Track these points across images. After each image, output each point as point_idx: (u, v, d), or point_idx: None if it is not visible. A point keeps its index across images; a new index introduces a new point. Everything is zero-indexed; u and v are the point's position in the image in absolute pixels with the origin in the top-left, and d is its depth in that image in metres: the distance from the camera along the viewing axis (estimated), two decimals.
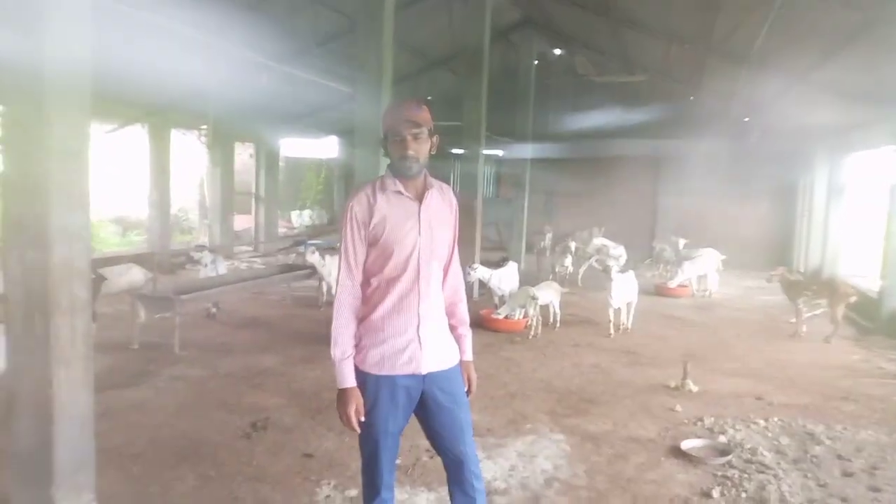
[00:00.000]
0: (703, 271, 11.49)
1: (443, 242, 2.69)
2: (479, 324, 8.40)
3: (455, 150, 14.74)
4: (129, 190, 16.82)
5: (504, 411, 5.38)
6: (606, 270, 8.27)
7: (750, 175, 15.23)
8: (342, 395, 2.57)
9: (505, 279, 9.14)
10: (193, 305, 7.74)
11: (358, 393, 2.57)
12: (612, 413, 5.41)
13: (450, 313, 2.82)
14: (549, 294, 8.35)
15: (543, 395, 5.83)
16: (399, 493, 3.85)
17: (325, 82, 10.42)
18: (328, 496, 3.84)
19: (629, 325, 8.57)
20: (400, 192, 2.59)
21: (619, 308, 8.30)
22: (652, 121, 15.33)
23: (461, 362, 2.81)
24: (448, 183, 16.29)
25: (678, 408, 5.49)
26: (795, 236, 14.67)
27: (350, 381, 2.57)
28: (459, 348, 2.82)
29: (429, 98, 17.65)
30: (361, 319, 2.64)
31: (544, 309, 8.36)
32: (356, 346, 2.62)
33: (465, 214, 10.53)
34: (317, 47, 11.12)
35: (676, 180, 16.02)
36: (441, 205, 2.70)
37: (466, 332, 2.86)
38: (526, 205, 14.79)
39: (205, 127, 12.91)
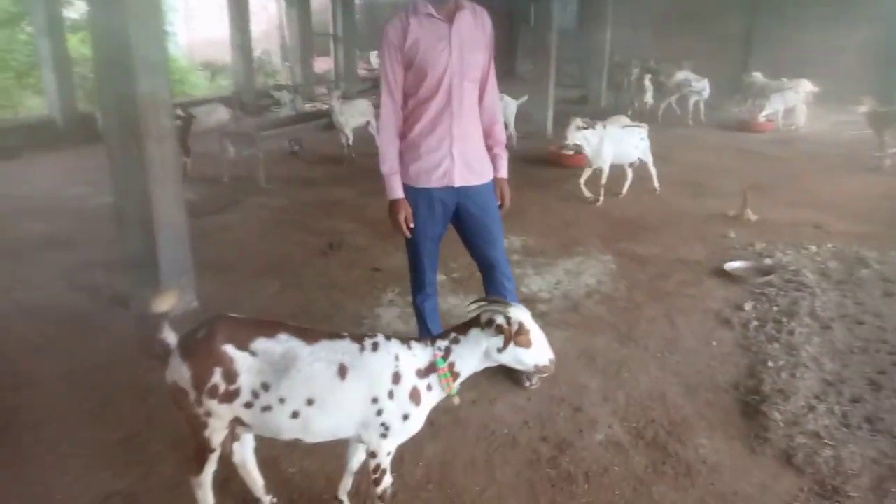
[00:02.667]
0: (791, 104, 10.94)
1: (475, 63, 2.87)
2: (548, 159, 8.56)
3: None
4: (215, 36, 17.20)
5: (558, 236, 5.70)
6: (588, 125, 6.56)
7: (854, 3, 13.77)
8: (393, 205, 2.93)
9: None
10: (275, 142, 8.26)
11: (406, 203, 2.92)
12: (663, 238, 5.63)
13: (486, 134, 3.06)
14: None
15: (599, 223, 6.09)
16: (454, 299, 4.36)
17: None
18: (391, 300, 4.38)
19: (656, 185, 7.17)
20: (431, 15, 2.75)
21: (606, 169, 6.71)
22: None
23: (495, 179, 3.09)
24: (528, 15, 15.62)
25: (732, 234, 5.65)
26: None
27: (398, 192, 2.91)
28: (494, 166, 3.08)
29: None
30: (401, 138, 2.93)
31: None
32: (409, 160, 2.93)
33: (540, 48, 10.32)
34: None
35: (773, 6, 14.72)
36: (473, 27, 2.85)
37: (502, 152, 3.11)
38: (608, 38, 14.11)
39: None
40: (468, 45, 2.82)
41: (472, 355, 2.12)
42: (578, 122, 6.47)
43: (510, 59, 19.40)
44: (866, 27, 14.09)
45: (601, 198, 6.71)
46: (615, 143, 6.67)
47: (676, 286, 4.61)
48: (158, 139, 3.93)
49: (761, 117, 10.76)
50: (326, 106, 9.73)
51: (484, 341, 2.08)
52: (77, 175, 7.89)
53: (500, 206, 3.14)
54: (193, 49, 17.59)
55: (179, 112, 7.15)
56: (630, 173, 7.08)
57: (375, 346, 2.06)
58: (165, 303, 2.16)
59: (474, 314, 2.16)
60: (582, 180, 6.89)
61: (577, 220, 6.17)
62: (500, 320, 2.05)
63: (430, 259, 3.15)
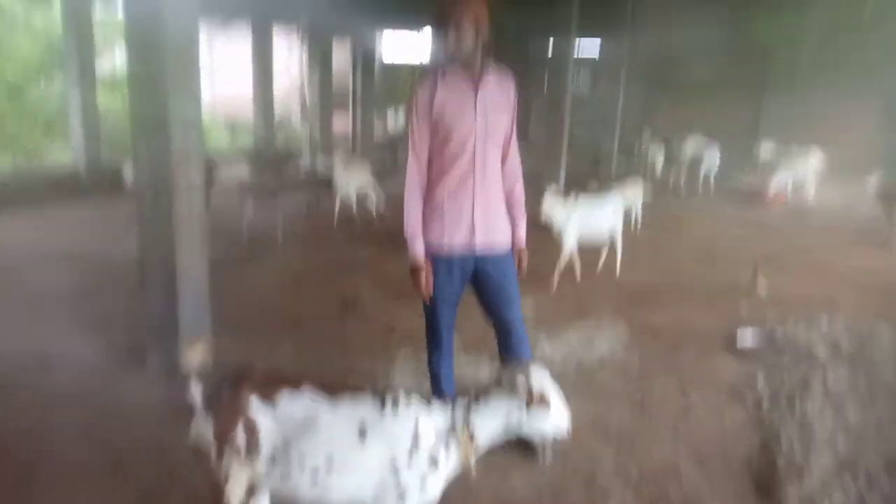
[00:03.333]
0: (801, 175, 11.09)
1: (499, 126, 2.95)
2: None
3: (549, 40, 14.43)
4: (238, 93, 17.75)
5: (571, 303, 5.75)
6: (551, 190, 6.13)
7: (866, 72, 14.06)
8: (415, 267, 2.97)
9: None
10: (295, 199, 8.44)
11: (429, 267, 2.96)
12: (676, 309, 5.66)
13: (507, 193, 3.11)
14: (629, 194, 8.43)
15: (612, 291, 6.14)
16: (466, 360, 4.38)
17: None
18: (405, 361, 4.41)
19: (618, 263, 6.46)
20: (458, 79, 2.85)
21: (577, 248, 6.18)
22: (760, 12, 14.34)
23: (515, 243, 3.16)
24: (542, 84, 15.99)
25: (743, 306, 5.68)
26: None
27: (420, 255, 2.95)
28: (514, 233, 3.14)
29: None
30: (424, 200, 2.99)
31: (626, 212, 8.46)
32: (431, 220, 2.97)
33: (554, 113, 10.55)
34: None
35: (785, 75, 15.04)
36: (498, 91, 2.94)
37: (522, 216, 3.14)
38: (620, 104, 14.44)
39: (303, 22, 13.19)
40: (493, 108, 2.90)
41: (492, 418, 2.11)
42: (553, 188, 6.07)
43: (524, 124, 19.83)
44: (877, 98, 14.31)
45: (556, 282, 6.01)
46: (585, 215, 6.05)
47: (689, 358, 4.63)
48: (188, 193, 4.05)
49: (772, 189, 10.90)
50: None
51: (505, 403, 2.09)
52: (99, 226, 8.06)
53: (518, 272, 3.20)
54: (216, 105, 18.11)
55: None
56: (604, 250, 6.53)
57: (396, 405, 2.08)
58: (195, 355, 2.22)
59: (494, 376, 2.18)
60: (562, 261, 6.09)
61: (591, 287, 6.22)
62: (521, 380, 2.07)
63: (446, 321, 3.19)
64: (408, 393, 2.14)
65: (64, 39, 10.50)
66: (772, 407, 3.85)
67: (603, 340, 4.90)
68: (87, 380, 4.00)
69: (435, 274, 3.00)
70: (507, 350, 3.19)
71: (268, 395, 2.04)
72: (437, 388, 3.30)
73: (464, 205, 2.93)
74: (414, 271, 2.98)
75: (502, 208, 3.07)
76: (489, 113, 2.88)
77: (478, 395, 2.15)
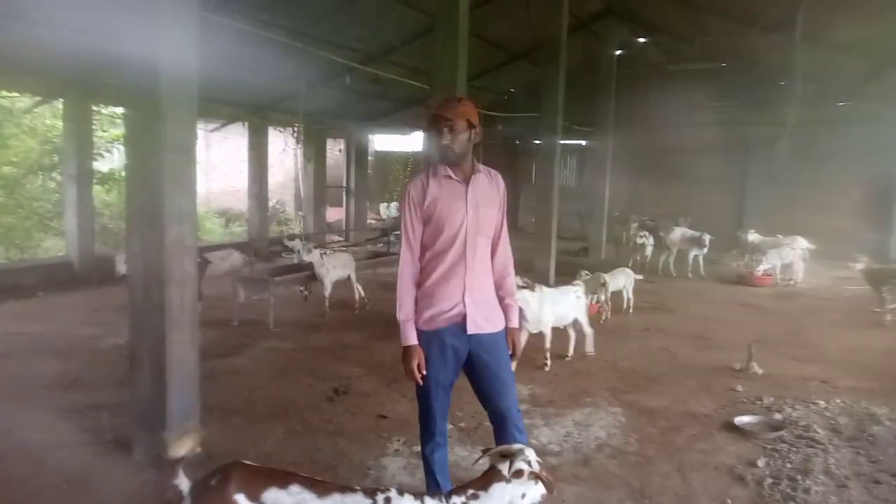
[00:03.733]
0: (788, 260, 11.27)
1: (489, 221, 3.08)
2: None
3: (536, 141, 14.94)
4: (231, 184, 18.12)
5: (566, 386, 5.70)
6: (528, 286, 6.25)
7: (843, 163, 14.57)
8: (406, 351, 3.01)
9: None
10: (287, 288, 8.46)
11: (420, 351, 2.99)
12: (671, 391, 5.62)
13: (498, 286, 3.20)
14: (620, 280, 8.53)
15: (607, 373, 6.10)
16: (461, 450, 4.29)
17: (408, 81, 10.91)
18: (397, 450, 4.31)
19: (589, 349, 6.64)
20: (450, 177, 3.00)
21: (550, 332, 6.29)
22: (740, 106, 15.01)
23: (507, 329, 3.19)
24: (530, 174, 16.52)
25: (739, 388, 5.64)
26: (893, 226, 13.97)
27: (413, 339, 3.00)
28: (506, 316, 3.19)
29: (511, 90, 17.96)
30: (417, 287, 3.07)
31: (617, 295, 8.54)
32: (423, 308, 3.04)
33: (542, 203, 10.81)
34: (401, 46, 11.65)
35: (765, 167, 15.56)
36: (488, 187, 3.09)
37: (513, 303, 3.23)
38: (607, 194, 14.81)
39: (299, 125, 13.76)
40: (483, 203, 3.04)
41: None
42: (518, 281, 5.59)
43: (514, 213, 20.21)
44: (857, 188, 14.74)
45: (548, 362, 6.17)
46: (553, 304, 6.25)
47: (687, 440, 4.55)
48: (180, 284, 4.07)
49: (758, 272, 11.05)
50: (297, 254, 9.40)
51: (508, 495, 2.04)
52: (90, 315, 8.02)
53: (512, 356, 3.21)
54: (210, 196, 18.42)
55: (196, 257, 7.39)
56: (572, 333, 6.59)
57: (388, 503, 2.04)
58: (183, 447, 2.18)
59: (486, 464, 2.15)
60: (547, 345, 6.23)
61: (585, 370, 6.18)
62: (524, 467, 2.03)
63: (440, 407, 3.16)
64: (401, 492, 2.10)
65: (63, 137, 10.81)
66: (773, 490, 3.77)
67: (599, 424, 4.82)
68: (73, 470, 3.89)
69: (428, 356, 3.01)
70: (504, 439, 3.14)
71: (254, 493, 1.99)
72: (431, 477, 3.23)
73: (455, 291, 3.01)
74: (406, 355, 3.00)
75: (493, 294, 3.15)
76: (480, 207, 3.02)
77: (475, 491, 2.10)
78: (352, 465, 4.09)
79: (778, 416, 4.94)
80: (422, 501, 2.08)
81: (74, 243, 10.62)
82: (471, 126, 2.96)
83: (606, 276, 8.31)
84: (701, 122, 15.64)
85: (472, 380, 3.18)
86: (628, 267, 9.38)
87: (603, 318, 8.21)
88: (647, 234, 12.86)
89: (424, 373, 3.00)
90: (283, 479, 2.04)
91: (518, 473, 2.04)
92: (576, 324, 6.61)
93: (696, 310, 9.17)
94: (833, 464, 4.10)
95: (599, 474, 4.00)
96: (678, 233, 12.49)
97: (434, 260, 3.03)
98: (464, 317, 3.00)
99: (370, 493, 2.07)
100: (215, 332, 7.27)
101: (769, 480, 3.89)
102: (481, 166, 3.10)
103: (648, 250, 12.45)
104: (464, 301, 3.01)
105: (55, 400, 5.10)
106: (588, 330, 6.66)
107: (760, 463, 4.13)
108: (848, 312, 9.08)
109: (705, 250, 12.00)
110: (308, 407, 5.11)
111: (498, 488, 2.08)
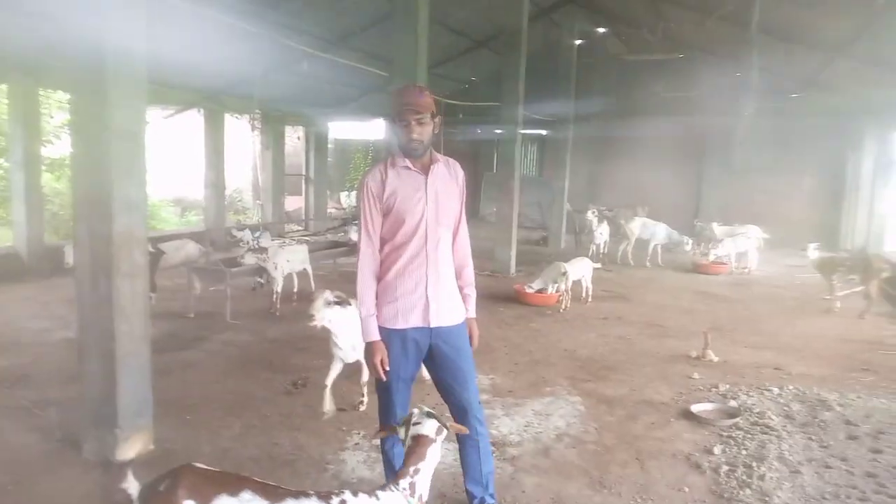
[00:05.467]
0: (742, 248, 11.52)
1: (449, 211, 3.03)
2: (513, 297, 8.73)
3: (497, 130, 14.93)
4: (187, 173, 17.67)
5: (526, 376, 5.71)
6: None
7: (796, 152, 14.95)
8: (369, 347, 2.96)
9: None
10: (243, 279, 8.28)
11: (382, 346, 2.95)
12: (630, 379, 5.67)
13: (458, 274, 3.17)
14: (580, 269, 8.59)
15: (566, 363, 6.13)
16: None
17: (367, 68, 10.76)
18: (357, 443, 4.26)
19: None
20: (408, 168, 2.94)
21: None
22: (698, 97, 15.23)
23: (466, 319, 3.16)
24: (491, 163, 16.55)
25: (695, 375, 5.73)
26: (842, 214, 14.38)
27: (375, 334, 2.95)
28: (465, 307, 3.16)
29: (472, 79, 17.90)
30: (378, 280, 3.01)
31: (576, 284, 8.60)
32: (385, 302, 2.99)
33: (503, 193, 10.81)
34: (360, 31, 11.47)
35: (721, 157, 15.87)
36: (447, 178, 3.04)
37: (472, 293, 3.21)
38: (567, 184, 14.90)
39: (257, 112, 13.47)
40: (443, 194, 2.99)
41: (430, 473, 2.23)
42: (327, 296, 4.72)
43: (475, 202, 20.23)
44: (809, 177, 15.13)
45: (364, 399, 4.88)
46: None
47: (645, 428, 4.60)
48: (130, 275, 3.93)
49: (712, 257, 11.29)
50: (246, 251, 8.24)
51: (439, 451, 2.29)
52: (39, 308, 7.74)
53: (471, 344, 3.18)
54: (165, 185, 17.96)
55: (150, 248, 7.17)
56: None
57: None
58: (133, 448, 2.09)
59: (404, 434, 2.40)
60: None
61: (545, 359, 6.21)
62: (434, 422, 2.35)
63: (401, 401, 3.12)
64: (354, 492, 2.07)
65: (9, 123, 10.37)
66: (729, 476, 3.83)
67: (559, 413, 4.84)
68: (19, 469, 3.74)
69: (389, 351, 2.97)
70: (466, 437, 3.12)
71: (204, 499, 1.92)
72: (391, 471, 3.19)
73: (418, 283, 2.96)
74: (369, 351, 2.96)
75: (454, 285, 3.12)
76: (440, 199, 2.97)
77: (417, 466, 2.23)
78: (311, 459, 4.02)
79: (733, 404, 5.03)
80: (376, 497, 2.06)
81: (23, 233, 10.22)
82: (430, 116, 2.90)
83: (566, 266, 8.36)
84: (659, 112, 15.83)
85: (433, 371, 3.15)
86: (587, 257, 9.48)
87: (563, 306, 8.27)
88: (603, 222, 12.98)
89: (388, 368, 2.96)
90: (234, 484, 1.97)
91: (440, 430, 2.31)
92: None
93: (653, 298, 9.30)
94: (786, 450, 4.19)
95: (559, 464, 4.01)
96: (638, 222, 12.65)
97: (394, 253, 2.97)
98: (427, 310, 2.96)
99: (324, 496, 2.02)
100: (170, 325, 7.09)
101: (725, 468, 3.95)
102: (440, 156, 3.05)
103: (603, 239, 12.56)
104: (426, 294, 2.97)
105: (3, 396, 4.90)
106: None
107: (717, 450, 4.19)
108: (801, 299, 9.33)
109: (663, 241, 12.20)
110: (266, 401, 5.01)
111: (433, 450, 2.28)
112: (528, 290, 8.56)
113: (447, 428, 2.42)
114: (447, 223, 3.03)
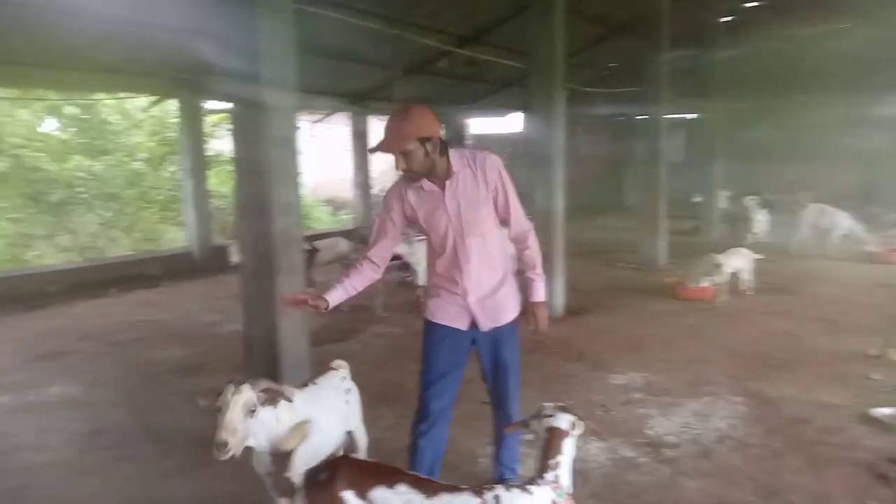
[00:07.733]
0: None
1: (476, 220, 2.87)
2: (663, 291, 8.34)
3: (640, 117, 14.32)
4: (338, 174, 18.64)
5: (682, 374, 5.41)
6: None
7: None
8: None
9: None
10: (392, 274, 8.57)
11: (312, 294, 2.94)
12: (798, 378, 5.22)
13: (519, 260, 3.13)
14: (737, 261, 8.04)
15: (726, 360, 5.75)
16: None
17: (504, 61, 10.72)
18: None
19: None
20: (422, 188, 2.86)
21: None
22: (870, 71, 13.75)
23: (530, 304, 3.07)
24: (633, 150, 15.67)
25: (875, 376, 5.17)
26: None
27: (333, 298, 2.93)
28: (529, 290, 3.07)
29: (611, 65, 17.31)
30: (430, 276, 3.10)
31: (733, 276, 8.05)
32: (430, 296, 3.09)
33: (648, 181, 10.33)
34: (496, 27, 11.45)
35: None
36: (471, 183, 2.86)
37: (535, 276, 3.07)
38: (716, 169, 13.98)
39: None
40: (466, 204, 2.85)
41: (569, 467, 2.17)
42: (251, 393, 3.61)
43: (618, 192, 19.61)
44: None
45: None
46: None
47: (818, 433, 4.21)
48: (289, 272, 4.19)
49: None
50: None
51: (574, 447, 2.23)
52: (210, 303, 8.46)
53: (536, 331, 3.10)
54: (318, 186, 19.05)
55: (306, 246, 7.59)
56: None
57: (497, 501, 1.99)
58: (294, 440, 2.20)
59: (536, 428, 2.31)
60: None
61: (703, 357, 5.86)
62: (569, 416, 2.26)
63: (438, 393, 3.11)
64: (507, 487, 2.05)
65: (181, 135, 11.43)
66: None
67: (719, 414, 4.54)
68: (197, 451, 4.05)
69: (439, 346, 3.04)
70: (497, 419, 3.28)
71: (362, 490, 1.98)
72: (412, 460, 3.17)
73: (456, 290, 2.97)
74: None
75: (500, 288, 3.01)
76: (463, 210, 2.85)
77: (557, 459, 2.18)
78: (459, 452, 4.06)
79: None
80: (528, 491, 2.04)
81: (194, 234, 11.25)
82: (425, 140, 2.70)
83: (720, 257, 7.86)
84: (819, 90, 14.42)
85: (479, 358, 3.15)
86: (745, 247, 8.80)
87: (718, 300, 7.77)
88: (761, 210, 12.03)
89: (301, 298, 2.89)
90: (390, 477, 2.02)
91: (575, 425, 2.24)
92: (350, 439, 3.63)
93: (825, 291, 8.48)
94: None
95: (722, 468, 3.76)
96: (814, 210, 11.47)
97: (434, 256, 3.02)
98: (466, 316, 2.98)
99: (478, 491, 2.01)
100: (325, 319, 7.46)
101: None
102: (462, 159, 2.86)
103: (761, 228, 11.62)
104: (467, 303, 2.96)
105: (180, 384, 5.40)
106: (363, 442, 3.67)
107: None
108: None
109: (846, 230, 10.99)
110: (415, 392, 5.11)
111: (568, 443, 2.20)
112: (687, 285, 8.05)
113: (582, 423, 2.33)
114: (478, 231, 2.89)
